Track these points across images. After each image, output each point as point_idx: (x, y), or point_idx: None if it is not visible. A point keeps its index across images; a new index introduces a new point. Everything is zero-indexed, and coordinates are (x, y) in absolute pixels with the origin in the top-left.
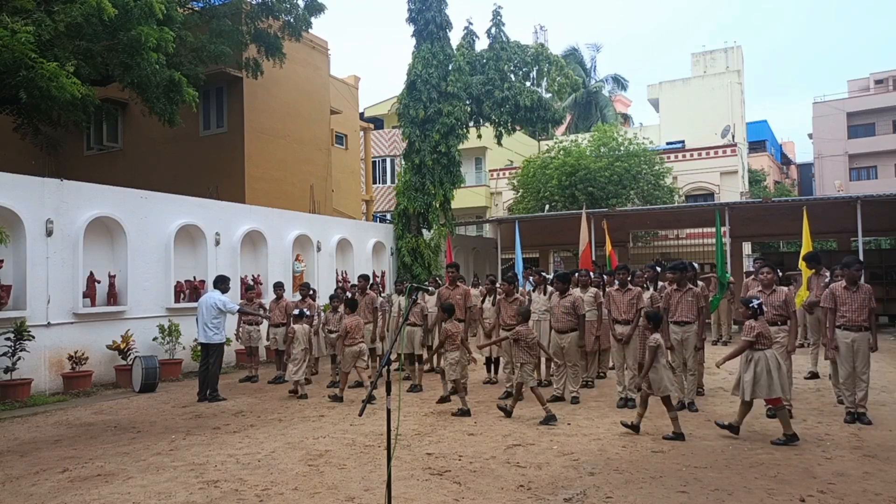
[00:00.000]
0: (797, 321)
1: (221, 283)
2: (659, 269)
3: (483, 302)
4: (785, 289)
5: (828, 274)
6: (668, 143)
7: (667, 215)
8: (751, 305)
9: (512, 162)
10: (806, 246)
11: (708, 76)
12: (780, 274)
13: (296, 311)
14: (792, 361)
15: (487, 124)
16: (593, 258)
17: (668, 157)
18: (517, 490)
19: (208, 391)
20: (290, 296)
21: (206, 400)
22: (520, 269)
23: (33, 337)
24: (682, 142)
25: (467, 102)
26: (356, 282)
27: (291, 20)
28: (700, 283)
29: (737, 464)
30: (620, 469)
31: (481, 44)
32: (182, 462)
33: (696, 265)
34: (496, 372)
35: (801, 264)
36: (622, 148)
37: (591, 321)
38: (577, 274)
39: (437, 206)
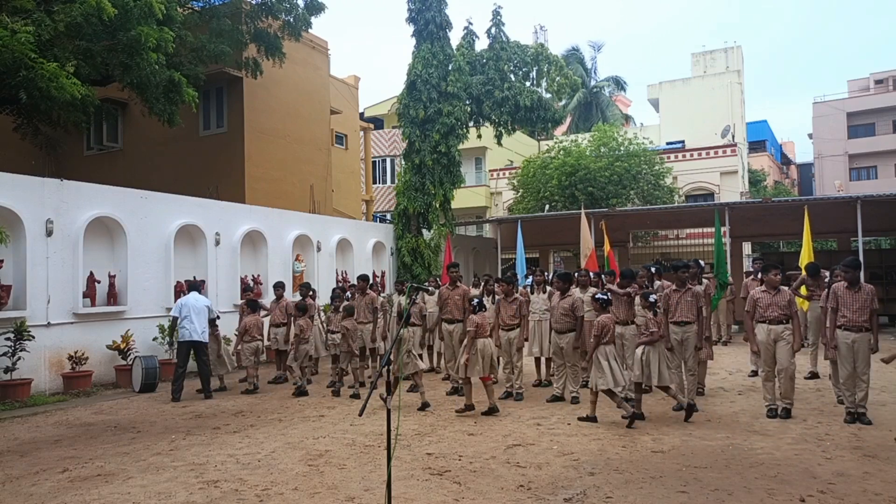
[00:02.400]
0: (800, 321)
1: (201, 286)
2: (654, 269)
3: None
4: (788, 289)
5: (827, 274)
6: (668, 143)
7: (667, 215)
8: (472, 303)
9: (512, 162)
10: (807, 245)
11: (708, 76)
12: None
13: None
14: (794, 361)
15: (487, 124)
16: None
17: (668, 157)
18: (517, 490)
19: (204, 390)
20: (291, 296)
21: (209, 396)
22: (522, 268)
23: (33, 337)
24: (682, 142)
25: (467, 102)
26: (356, 282)
27: (291, 20)
28: (705, 281)
29: (737, 464)
30: (620, 469)
31: (481, 44)
32: (182, 462)
33: (702, 263)
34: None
35: (804, 264)
36: (622, 148)
37: (591, 321)
38: (576, 274)
39: (437, 206)
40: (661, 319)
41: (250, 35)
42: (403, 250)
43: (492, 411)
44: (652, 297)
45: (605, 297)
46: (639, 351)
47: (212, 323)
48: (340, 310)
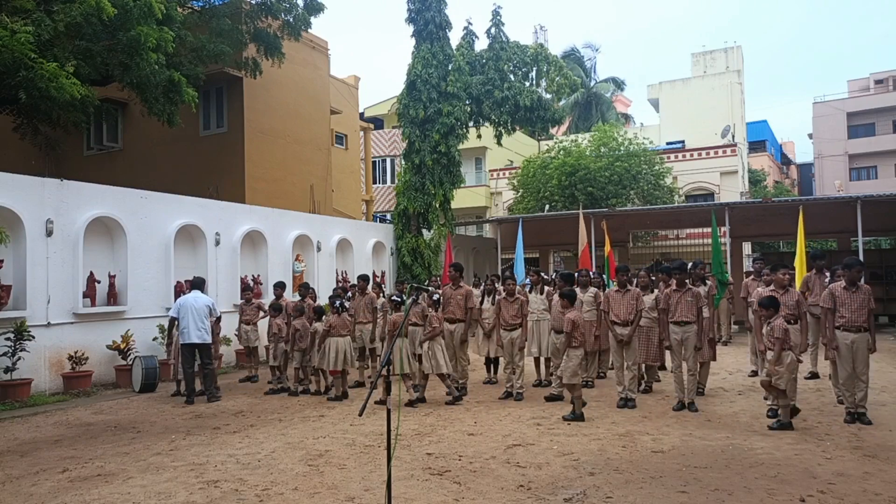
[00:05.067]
0: (807, 321)
1: (203, 284)
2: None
3: (482, 302)
4: (797, 290)
5: (828, 274)
6: (668, 143)
7: (667, 215)
8: (335, 305)
9: (512, 162)
10: (800, 245)
11: (708, 76)
12: None
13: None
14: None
15: (487, 124)
16: (592, 259)
17: (668, 157)
18: (517, 490)
19: (208, 391)
20: (291, 296)
21: (196, 400)
22: (520, 268)
23: (33, 337)
24: (682, 142)
25: (467, 102)
26: (356, 282)
27: (291, 20)
28: (709, 282)
29: (737, 464)
30: (620, 469)
31: (481, 44)
32: (182, 462)
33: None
34: (496, 372)
35: (800, 264)
36: (622, 148)
37: (591, 321)
38: (577, 274)
39: (437, 206)
40: (442, 316)
41: (250, 35)
42: (403, 250)
43: (340, 398)
44: (436, 296)
45: (399, 298)
46: (425, 345)
47: (217, 321)
48: (291, 310)
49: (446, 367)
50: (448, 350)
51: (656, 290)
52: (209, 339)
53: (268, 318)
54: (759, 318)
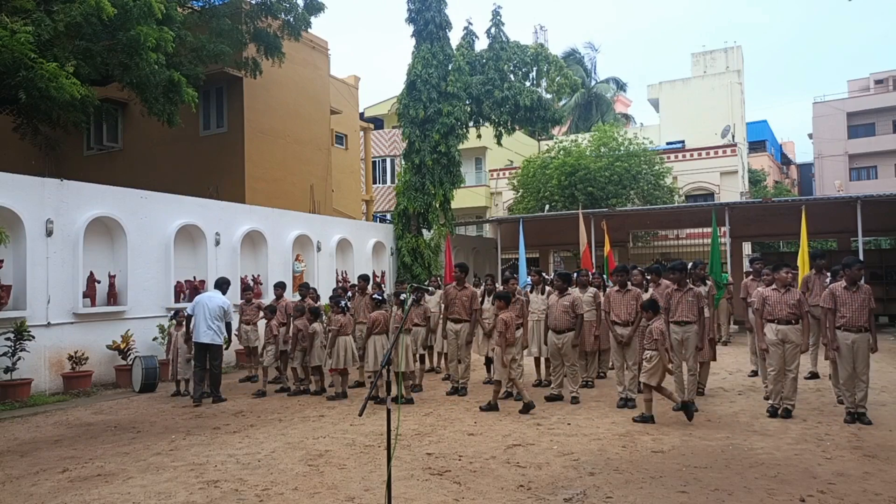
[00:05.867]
0: (809, 321)
1: (225, 286)
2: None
3: (482, 302)
4: (798, 289)
5: (829, 275)
6: (668, 143)
7: (667, 215)
8: (341, 305)
9: (512, 162)
10: (803, 245)
11: (708, 76)
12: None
13: None
14: (800, 361)
15: (487, 124)
16: (592, 259)
17: (668, 157)
18: (517, 490)
19: (213, 393)
20: (291, 296)
21: (203, 400)
22: (523, 268)
23: (33, 337)
24: (682, 142)
25: (467, 102)
26: (356, 282)
27: (291, 19)
28: (709, 282)
29: (737, 464)
30: (620, 469)
31: (481, 44)
32: (182, 462)
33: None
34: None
35: (802, 264)
36: (622, 148)
37: (591, 321)
38: (576, 274)
39: (437, 206)
40: (417, 314)
41: (250, 35)
42: (403, 250)
43: (339, 396)
44: (402, 296)
45: (380, 297)
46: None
47: (227, 326)
48: (291, 310)
49: (405, 366)
50: (450, 348)
51: (650, 289)
52: (219, 340)
53: (262, 318)
54: (760, 317)
